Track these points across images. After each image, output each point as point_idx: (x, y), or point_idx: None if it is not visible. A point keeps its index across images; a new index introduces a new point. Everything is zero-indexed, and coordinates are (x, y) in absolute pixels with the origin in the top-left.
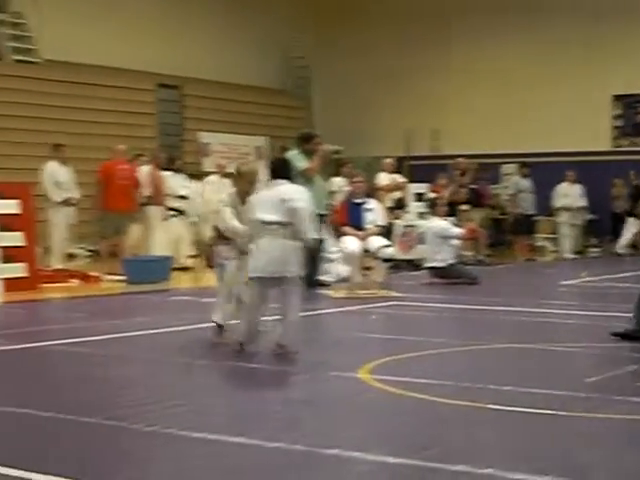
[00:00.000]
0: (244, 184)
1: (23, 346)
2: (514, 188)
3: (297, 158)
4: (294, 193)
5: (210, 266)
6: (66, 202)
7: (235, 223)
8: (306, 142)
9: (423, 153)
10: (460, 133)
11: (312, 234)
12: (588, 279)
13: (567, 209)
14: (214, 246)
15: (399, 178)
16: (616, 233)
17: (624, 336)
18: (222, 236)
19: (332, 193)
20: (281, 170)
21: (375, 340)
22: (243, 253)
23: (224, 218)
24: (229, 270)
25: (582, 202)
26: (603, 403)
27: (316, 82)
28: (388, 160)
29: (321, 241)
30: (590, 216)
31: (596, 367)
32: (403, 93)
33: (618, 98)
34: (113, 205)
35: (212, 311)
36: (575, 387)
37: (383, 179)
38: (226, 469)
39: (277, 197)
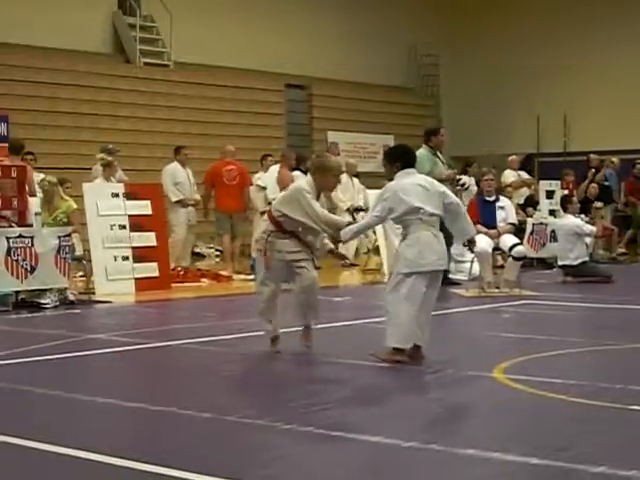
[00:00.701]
0: (330, 178)
1: (156, 345)
2: None
3: (424, 160)
4: (442, 186)
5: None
6: (183, 203)
7: (330, 215)
8: (434, 135)
9: (553, 150)
10: (592, 130)
11: (472, 231)
12: None
13: None
14: (272, 241)
15: (525, 175)
16: None
17: None
18: (283, 229)
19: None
20: (412, 157)
21: (508, 339)
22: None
23: (314, 208)
24: (307, 272)
25: None
26: None
27: (444, 80)
28: (513, 157)
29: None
30: None
31: None
32: (533, 89)
33: None
34: (224, 205)
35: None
36: None
37: (509, 176)
38: (362, 467)
39: (433, 189)
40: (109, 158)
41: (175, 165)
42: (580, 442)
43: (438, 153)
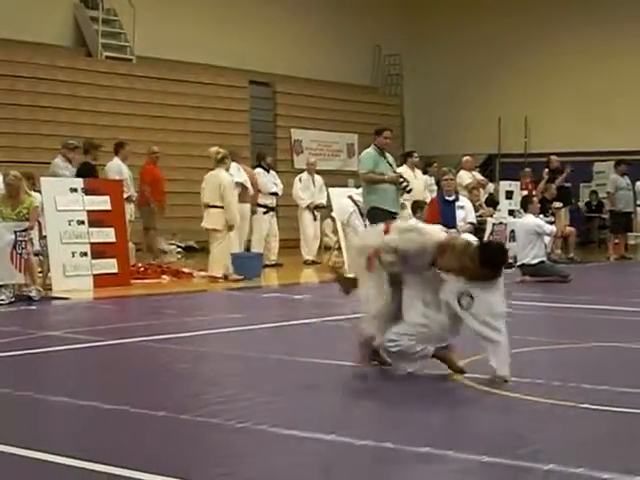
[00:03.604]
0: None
1: (112, 342)
2: (612, 186)
3: (366, 157)
4: None
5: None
6: (129, 199)
7: None
8: (378, 135)
9: (514, 151)
10: (553, 131)
11: None
12: None
13: None
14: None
15: (479, 176)
16: None
17: None
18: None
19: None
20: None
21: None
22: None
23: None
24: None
25: None
26: None
27: (408, 79)
28: (467, 158)
29: None
30: None
31: None
32: (495, 91)
33: None
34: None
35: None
36: None
37: (464, 177)
38: (314, 466)
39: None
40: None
41: (117, 161)
42: (532, 440)
43: (386, 153)
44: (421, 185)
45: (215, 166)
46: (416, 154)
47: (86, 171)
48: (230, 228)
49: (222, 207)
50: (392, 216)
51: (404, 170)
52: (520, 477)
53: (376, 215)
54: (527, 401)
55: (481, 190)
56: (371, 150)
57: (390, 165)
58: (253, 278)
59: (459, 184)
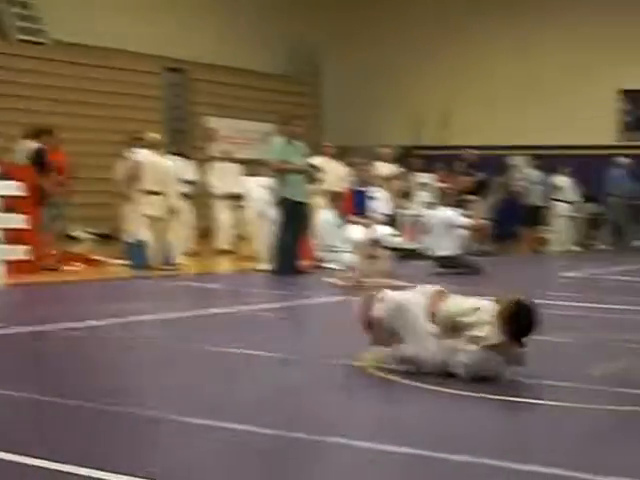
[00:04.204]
0: None
1: (21, 330)
2: (524, 180)
3: (275, 147)
4: None
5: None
6: None
7: None
8: (286, 124)
9: (430, 143)
10: (468, 124)
11: None
12: (591, 272)
13: (566, 202)
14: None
15: (396, 168)
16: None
17: None
18: None
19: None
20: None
21: None
22: None
23: None
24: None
25: (575, 196)
26: (608, 394)
27: (326, 69)
28: (385, 150)
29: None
30: (595, 209)
31: (599, 359)
32: (413, 83)
33: (625, 92)
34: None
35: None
36: (579, 378)
37: (382, 168)
38: (226, 455)
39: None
40: None
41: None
42: (443, 431)
43: (296, 143)
44: (337, 176)
45: (154, 152)
46: (330, 144)
47: (39, 157)
48: (173, 215)
49: (162, 194)
50: (301, 207)
51: (320, 161)
52: (418, 465)
53: (286, 206)
54: (432, 391)
55: (399, 182)
56: (280, 139)
57: (300, 155)
58: (141, 267)
59: (377, 175)
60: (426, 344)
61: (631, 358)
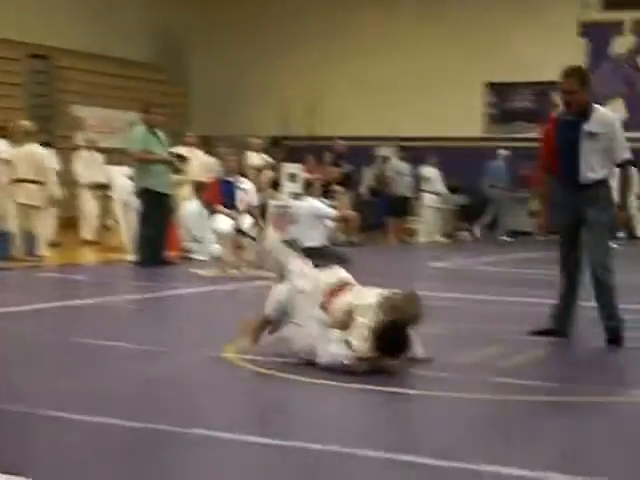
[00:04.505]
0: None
1: None
2: (392, 171)
3: (136, 136)
4: None
5: None
6: None
7: None
8: (147, 112)
9: (298, 134)
10: (337, 115)
11: None
12: (459, 262)
13: (433, 193)
14: None
15: (267, 158)
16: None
17: (541, 333)
18: None
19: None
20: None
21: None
22: None
23: None
24: None
25: (443, 188)
26: (479, 383)
27: (193, 58)
28: (255, 140)
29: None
30: (462, 200)
31: (468, 348)
32: (281, 73)
33: (490, 86)
34: None
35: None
36: (450, 368)
37: (253, 158)
38: (83, 447)
39: None
40: None
41: None
42: (277, 416)
43: (158, 131)
44: (201, 166)
45: (26, 141)
46: (192, 134)
47: None
48: (52, 204)
49: (40, 182)
50: (164, 198)
51: (184, 150)
52: (265, 453)
53: (148, 197)
54: (284, 379)
55: (268, 172)
56: (141, 128)
57: (162, 144)
58: (4, 258)
59: (246, 165)
60: (309, 329)
61: (499, 347)
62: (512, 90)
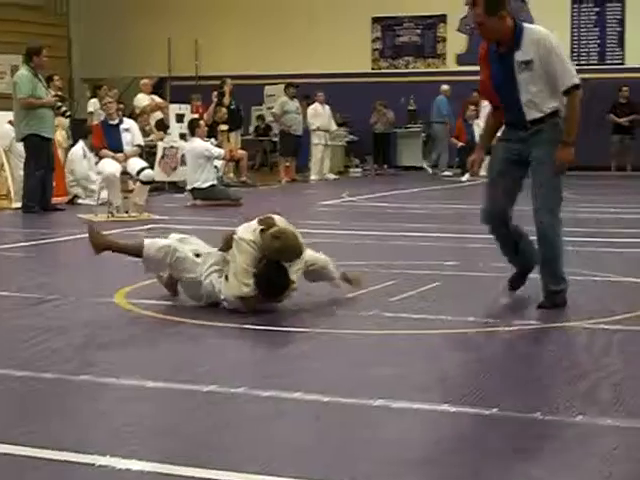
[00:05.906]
0: None
1: None
2: (279, 109)
3: (23, 81)
4: None
5: None
6: None
7: None
8: (35, 55)
9: (185, 74)
10: (223, 54)
11: None
12: (348, 199)
13: (323, 130)
14: None
15: (157, 99)
16: (376, 153)
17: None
18: None
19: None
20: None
21: (132, 265)
22: None
23: None
24: None
25: (332, 124)
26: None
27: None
28: (145, 80)
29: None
30: (351, 137)
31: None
32: (165, 12)
33: (377, 20)
34: None
35: None
36: (343, 305)
37: (142, 100)
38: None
39: None
40: None
41: None
42: (191, 364)
43: (40, 75)
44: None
45: None
46: (59, 76)
47: None
48: None
49: None
50: (48, 143)
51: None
52: (180, 398)
53: (34, 142)
54: (186, 324)
55: (155, 113)
56: (27, 72)
57: (45, 87)
58: None
59: (137, 107)
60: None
61: (395, 282)
62: (398, 24)
